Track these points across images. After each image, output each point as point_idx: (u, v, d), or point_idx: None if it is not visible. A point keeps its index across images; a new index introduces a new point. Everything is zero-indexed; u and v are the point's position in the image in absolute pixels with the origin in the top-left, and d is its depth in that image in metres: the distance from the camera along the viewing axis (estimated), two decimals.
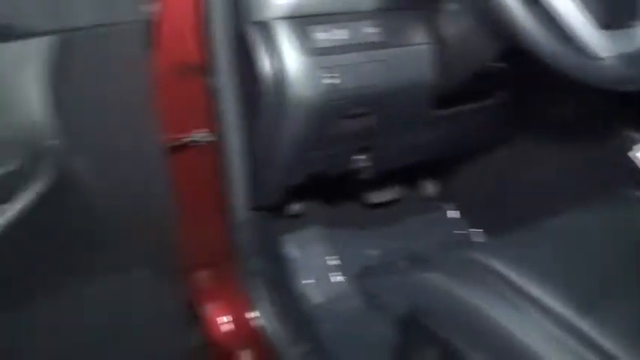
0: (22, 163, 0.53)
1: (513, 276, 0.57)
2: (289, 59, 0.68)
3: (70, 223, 0.59)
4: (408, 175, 1.15)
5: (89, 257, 0.62)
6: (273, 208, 0.94)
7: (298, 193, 0.96)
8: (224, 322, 0.93)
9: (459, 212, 1.21)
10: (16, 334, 0.58)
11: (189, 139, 0.81)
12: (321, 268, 1.06)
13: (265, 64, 0.69)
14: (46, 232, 0.56)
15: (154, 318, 0.74)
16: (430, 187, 1.21)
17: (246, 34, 0.71)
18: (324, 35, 0.70)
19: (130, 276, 0.69)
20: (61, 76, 0.58)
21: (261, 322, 0.90)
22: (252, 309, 0.91)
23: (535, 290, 0.55)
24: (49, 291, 0.59)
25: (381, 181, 1.10)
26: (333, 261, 1.07)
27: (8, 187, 0.52)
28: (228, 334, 0.93)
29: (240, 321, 0.93)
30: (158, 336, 0.76)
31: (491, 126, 0.97)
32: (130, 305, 0.70)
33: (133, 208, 0.66)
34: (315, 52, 0.69)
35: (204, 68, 0.79)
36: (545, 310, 0.53)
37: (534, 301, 0.54)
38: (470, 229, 1.17)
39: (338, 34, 0.71)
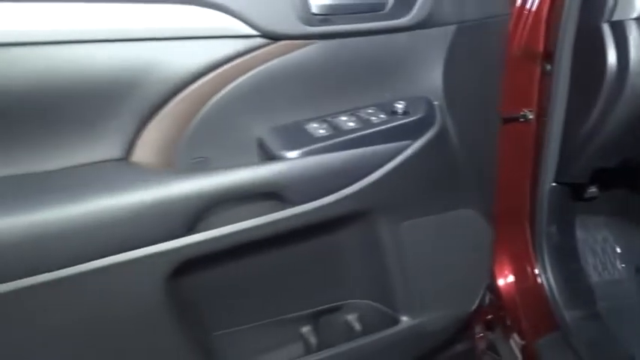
0: (424, 114, 0.77)
1: None
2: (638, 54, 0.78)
3: (441, 161, 0.81)
4: None
5: (443, 190, 0.84)
6: (573, 187, 1.05)
7: (597, 177, 1.05)
8: (507, 271, 1.09)
9: None
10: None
11: (519, 114, 0.98)
12: (604, 252, 1.14)
13: (613, 57, 0.81)
14: (429, 165, 0.79)
15: (463, 253, 0.93)
16: None
17: (597, 30, 0.83)
18: None
19: (455, 214, 0.89)
20: (451, 57, 0.79)
21: (543, 279, 1.04)
22: (536, 267, 1.05)
23: None
24: (407, 211, 0.82)
25: None
26: (617, 248, 1.14)
27: (418, 128, 0.76)
28: (509, 284, 1.10)
29: (521, 274, 1.08)
30: (463, 271, 0.95)
31: None
32: (446, 239, 0.91)
33: (472, 157, 0.86)
34: None
35: (545, 55, 0.94)
36: None
37: None
38: None
39: None
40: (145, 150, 0.67)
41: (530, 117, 0.99)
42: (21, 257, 0.58)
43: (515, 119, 0.97)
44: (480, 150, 0.89)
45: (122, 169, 0.65)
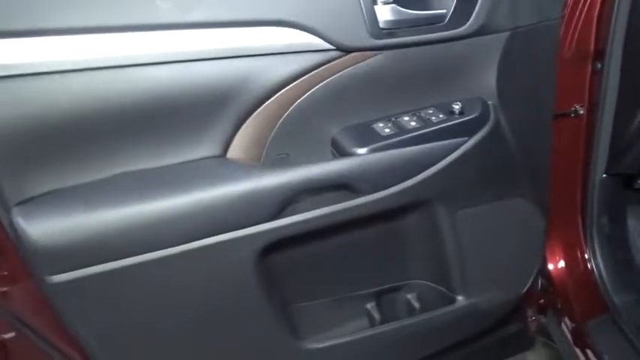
0: (478, 113, 0.86)
1: None
2: None
3: (496, 155, 0.91)
4: None
5: (498, 181, 0.94)
6: (624, 177, 1.11)
7: None
8: (559, 257, 1.17)
9: None
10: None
11: (571, 110, 1.05)
12: None
13: None
14: (484, 159, 0.88)
15: (516, 239, 1.02)
16: None
17: None
18: None
19: (509, 203, 0.97)
20: (504, 60, 0.88)
21: (593, 265, 1.11)
22: (587, 253, 1.12)
23: None
24: (460, 202, 0.91)
25: None
26: None
27: (473, 126, 0.85)
28: (560, 269, 1.17)
29: (572, 260, 1.15)
30: (516, 255, 1.03)
31: None
32: (500, 226, 0.99)
33: (525, 151, 0.94)
34: None
35: (595, 54, 1.01)
36: None
37: None
38: None
39: None
40: (239, 148, 0.80)
41: (582, 112, 1.06)
42: (144, 236, 0.72)
43: (568, 114, 1.04)
44: (533, 144, 0.97)
45: (220, 164, 0.78)
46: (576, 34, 1.00)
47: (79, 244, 0.69)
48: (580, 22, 0.99)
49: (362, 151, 0.81)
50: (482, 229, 0.95)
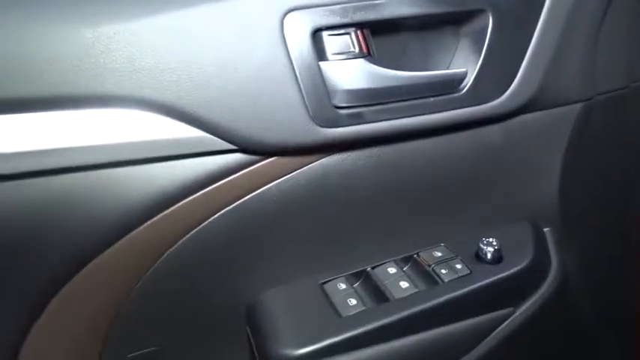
0: (529, 260, 0.47)
1: None
2: None
3: (559, 329, 0.52)
4: None
5: None
6: None
7: None
8: None
9: None
10: None
11: None
12: None
13: None
14: (539, 340, 0.50)
15: None
16: None
17: None
18: None
19: None
20: (572, 151, 0.51)
21: None
22: None
23: None
24: None
25: None
26: None
27: (520, 286, 0.47)
28: None
29: None
30: None
31: None
32: None
33: (604, 308, 0.56)
34: None
35: None
36: None
37: None
38: None
39: None
40: (39, 352, 0.41)
41: None
42: None
43: None
44: (614, 291, 0.59)
45: None
46: None
47: None
48: None
49: (304, 352, 0.42)
50: None
